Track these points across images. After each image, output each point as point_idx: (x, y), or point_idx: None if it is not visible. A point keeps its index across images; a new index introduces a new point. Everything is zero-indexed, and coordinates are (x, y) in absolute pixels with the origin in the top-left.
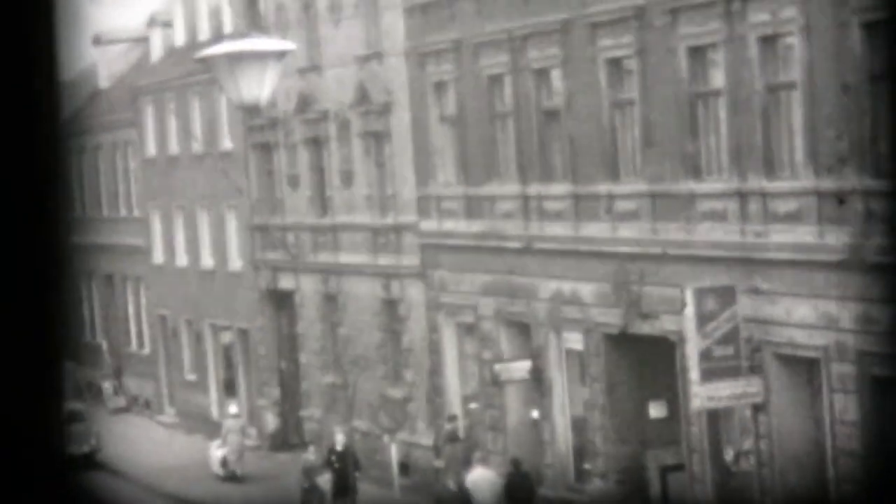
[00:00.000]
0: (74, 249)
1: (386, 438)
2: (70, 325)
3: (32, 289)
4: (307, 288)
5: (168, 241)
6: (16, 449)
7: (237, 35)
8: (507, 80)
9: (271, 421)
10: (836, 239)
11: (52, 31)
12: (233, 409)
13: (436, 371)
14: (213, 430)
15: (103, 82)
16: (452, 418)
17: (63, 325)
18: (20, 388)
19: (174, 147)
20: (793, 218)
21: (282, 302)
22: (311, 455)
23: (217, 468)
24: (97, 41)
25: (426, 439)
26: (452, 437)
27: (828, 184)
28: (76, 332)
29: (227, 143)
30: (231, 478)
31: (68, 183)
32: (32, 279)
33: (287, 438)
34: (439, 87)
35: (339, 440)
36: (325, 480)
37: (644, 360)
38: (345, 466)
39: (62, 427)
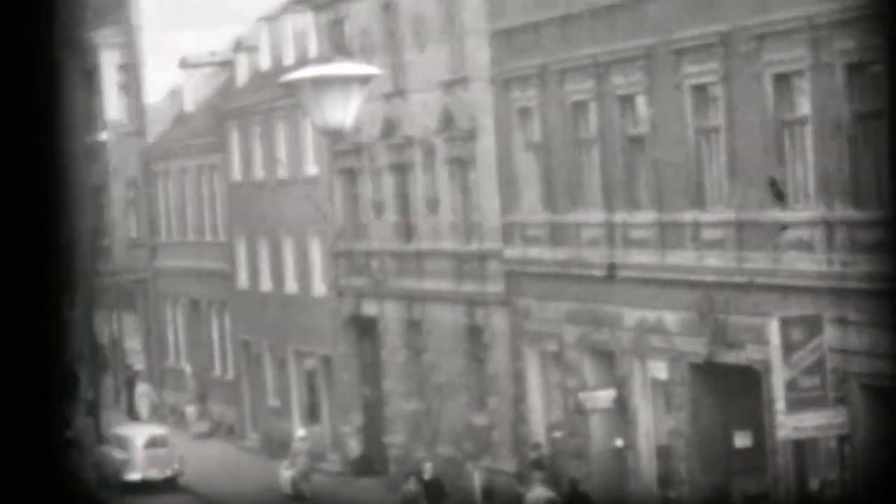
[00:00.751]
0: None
1: (469, 465)
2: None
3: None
4: (391, 314)
5: (253, 265)
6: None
7: (322, 60)
8: (591, 106)
9: (354, 447)
10: None
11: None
12: (300, 432)
13: (520, 399)
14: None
15: (188, 106)
16: (536, 446)
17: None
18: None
19: (259, 172)
20: (881, 247)
21: (365, 328)
22: (410, 485)
23: (287, 488)
24: (183, 64)
25: (509, 466)
26: (537, 465)
27: None
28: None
29: (312, 169)
30: (298, 497)
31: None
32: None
33: (371, 464)
34: (524, 112)
35: (428, 468)
36: None
37: (729, 389)
38: (433, 496)
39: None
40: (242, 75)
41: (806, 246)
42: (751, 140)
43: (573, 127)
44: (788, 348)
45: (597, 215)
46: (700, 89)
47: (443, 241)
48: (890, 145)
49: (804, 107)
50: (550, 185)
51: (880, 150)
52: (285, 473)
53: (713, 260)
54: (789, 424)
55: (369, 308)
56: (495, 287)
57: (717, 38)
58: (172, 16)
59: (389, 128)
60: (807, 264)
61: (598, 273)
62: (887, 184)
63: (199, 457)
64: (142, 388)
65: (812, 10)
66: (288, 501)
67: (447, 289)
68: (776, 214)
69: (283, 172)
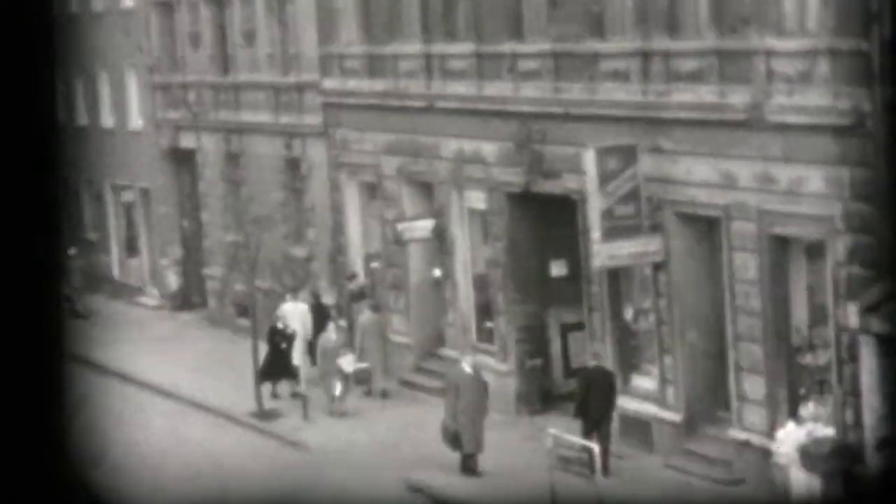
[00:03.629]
0: None
1: (288, 297)
2: None
3: None
4: (208, 146)
5: (68, 100)
6: None
7: None
8: None
9: (173, 280)
10: (738, 98)
11: None
12: (71, 250)
13: (338, 230)
14: (114, 288)
15: None
16: (352, 276)
17: None
18: None
19: (74, 5)
20: (695, 77)
21: (183, 161)
22: (332, 334)
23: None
24: None
25: (328, 298)
26: (357, 296)
27: (730, 43)
28: None
29: (127, 1)
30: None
31: None
32: None
33: (189, 297)
34: None
35: (280, 315)
36: (347, 362)
37: (546, 218)
38: (289, 344)
39: None
40: None
41: (622, 76)
42: None
43: None
44: (604, 177)
45: (415, 46)
46: None
47: (260, 73)
48: None
49: None
50: (368, 16)
51: None
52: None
53: (530, 91)
54: (604, 252)
55: (187, 140)
56: (313, 119)
57: None
58: None
59: None
60: (623, 94)
61: (416, 104)
62: (705, 13)
63: None
64: None
65: None
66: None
67: (265, 121)
68: (593, 45)
69: (98, 5)
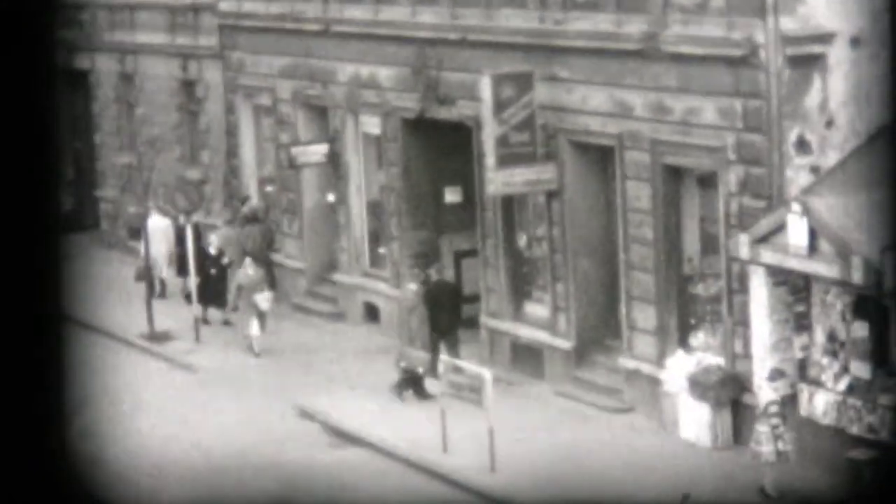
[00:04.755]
0: None
1: (182, 219)
2: None
3: None
4: (102, 67)
5: None
6: None
7: None
8: None
9: (65, 201)
10: (634, 27)
11: None
12: None
13: (232, 153)
14: None
15: None
16: (245, 199)
17: None
18: None
19: None
20: (592, 6)
21: (76, 81)
22: (249, 269)
23: None
24: None
25: (222, 221)
26: (251, 219)
27: None
28: None
29: None
30: None
31: None
32: None
33: (81, 219)
34: None
35: (213, 241)
36: (263, 298)
37: (440, 145)
38: (222, 269)
39: None
40: None
41: (519, 3)
42: None
43: None
44: (499, 105)
45: None
46: None
47: None
48: None
49: None
50: None
51: None
52: None
53: (427, 16)
54: (499, 180)
55: (81, 61)
56: (209, 40)
57: None
58: None
59: None
60: (519, 21)
61: (312, 27)
62: None
63: None
64: None
65: None
66: None
67: (160, 42)
68: None
69: None
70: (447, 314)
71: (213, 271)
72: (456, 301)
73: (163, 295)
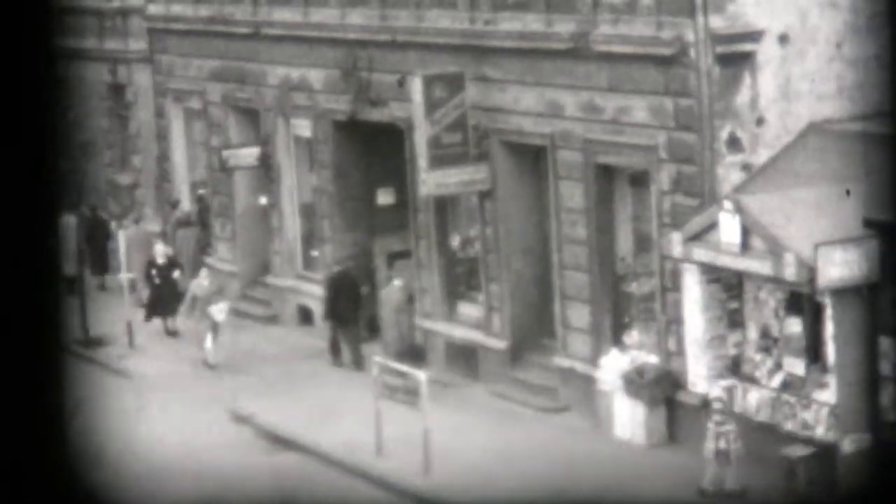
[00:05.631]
0: None
1: (114, 225)
2: None
3: None
4: None
5: None
6: None
7: None
8: None
9: None
10: (564, 27)
11: None
12: None
13: (164, 157)
14: None
15: None
16: (176, 203)
17: None
18: None
19: None
20: (521, 6)
21: None
22: (204, 280)
23: None
24: None
25: (154, 225)
26: (183, 223)
27: None
28: None
29: None
30: None
31: None
32: None
33: None
34: None
35: (160, 251)
36: (218, 310)
37: (372, 146)
38: (169, 279)
39: None
40: None
41: (449, 3)
42: None
43: None
44: (431, 105)
45: None
46: None
47: None
48: None
49: None
50: None
51: None
52: None
53: (356, 18)
54: (431, 181)
55: None
56: (138, 44)
57: None
58: None
59: None
60: (449, 22)
61: (242, 30)
62: None
63: None
64: None
65: None
66: None
67: (89, 46)
68: None
69: None
70: (347, 304)
71: (158, 281)
72: (356, 291)
73: (72, 291)
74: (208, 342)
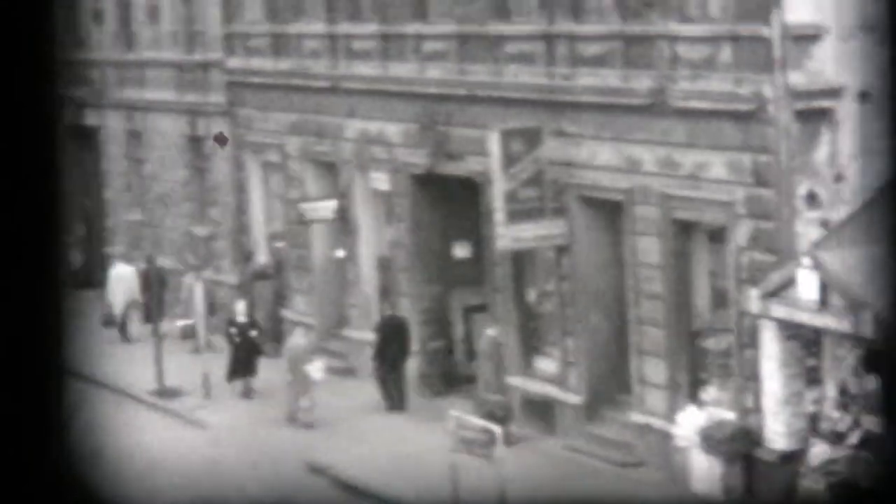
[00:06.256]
0: None
1: (191, 276)
2: None
3: None
4: (112, 124)
5: None
6: None
7: None
8: None
9: (76, 258)
10: (642, 82)
11: None
12: None
13: (241, 209)
14: None
15: None
16: (249, 256)
17: None
18: None
19: None
20: (599, 61)
21: (86, 138)
22: (301, 339)
23: None
24: None
25: (232, 278)
26: (259, 275)
27: (634, 27)
28: None
29: None
30: None
31: None
32: None
33: (90, 276)
34: None
35: (241, 309)
36: (316, 369)
37: (450, 200)
38: (249, 339)
39: None
40: None
41: (527, 59)
42: None
43: None
44: (508, 160)
45: (319, 26)
46: None
47: (164, 51)
48: None
49: None
50: None
51: None
52: None
53: (435, 72)
54: (508, 235)
55: (90, 118)
56: (217, 97)
57: None
58: None
59: None
60: (527, 77)
61: (320, 84)
62: None
63: None
64: None
65: None
66: None
67: (169, 99)
68: (498, 27)
69: None
70: (396, 348)
71: (237, 340)
72: (405, 335)
73: (128, 338)
74: (305, 401)
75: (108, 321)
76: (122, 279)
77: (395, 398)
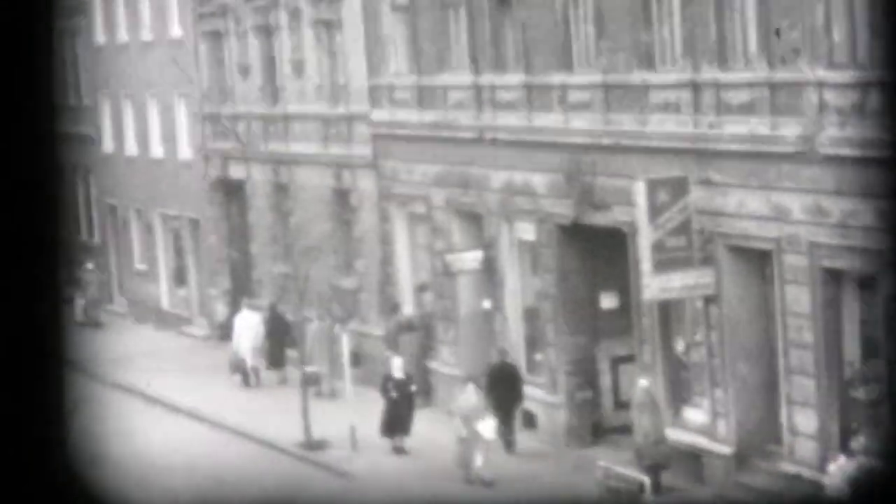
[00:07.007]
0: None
1: (337, 328)
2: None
3: None
4: (258, 177)
5: (117, 129)
6: None
7: None
8: None
9: (221, 310)
10: (789, 130)
11: None
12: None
13: (387, 261)
14: (162, 318)
15: None
16: (395, 307)
17: None
18: None
19: (123, 34)
20: (746, 109)
21: (232, 191)
22: (472, 395)
23: (79, 315)
24: None
25: (377, 329)
26: (405, 327)
27: (781, 74)
28: None
29: (176, 31)
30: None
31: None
32: None
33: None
34: None
35: (397, 365)
36: (487, 427)
37: (596, 250)
38: (407, 394)
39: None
40: None
41: (673, 107)
42: (617, 1)
43: None
44: (655, 209)
45: (464, 77)
46: None
47: (309, 104)
48: (756, 5)
49: None
50: (417, 46)
51: (746, 10)
52: (79, 302)
53: (580, 122)
54: (655, 285)
55: (236, 171)
56: (362, 149)
57: None
58: None
59: None
60: (673, 126)
61: (465, 135)
62: (755, 44)
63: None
64: None
65: None
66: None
67: (314, 151)
68: (643, 76)
69: (147, 34)
70: (507, 393)
71: (393, 395)
72: (515, 381)
73: (251, 383)
74: (478, 461)
75: (236, 367)
76: (249, 326)
77: (509, 443)
